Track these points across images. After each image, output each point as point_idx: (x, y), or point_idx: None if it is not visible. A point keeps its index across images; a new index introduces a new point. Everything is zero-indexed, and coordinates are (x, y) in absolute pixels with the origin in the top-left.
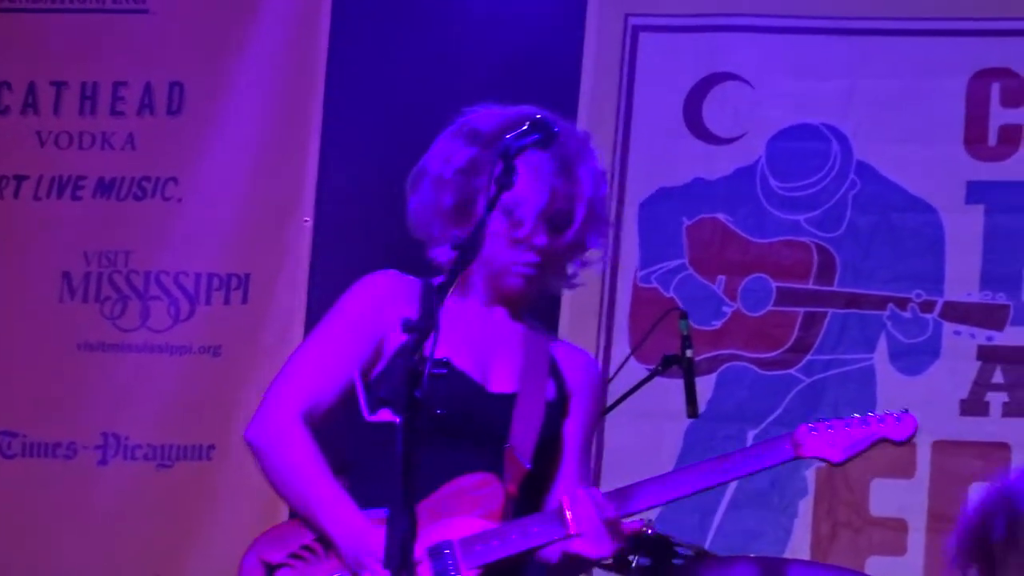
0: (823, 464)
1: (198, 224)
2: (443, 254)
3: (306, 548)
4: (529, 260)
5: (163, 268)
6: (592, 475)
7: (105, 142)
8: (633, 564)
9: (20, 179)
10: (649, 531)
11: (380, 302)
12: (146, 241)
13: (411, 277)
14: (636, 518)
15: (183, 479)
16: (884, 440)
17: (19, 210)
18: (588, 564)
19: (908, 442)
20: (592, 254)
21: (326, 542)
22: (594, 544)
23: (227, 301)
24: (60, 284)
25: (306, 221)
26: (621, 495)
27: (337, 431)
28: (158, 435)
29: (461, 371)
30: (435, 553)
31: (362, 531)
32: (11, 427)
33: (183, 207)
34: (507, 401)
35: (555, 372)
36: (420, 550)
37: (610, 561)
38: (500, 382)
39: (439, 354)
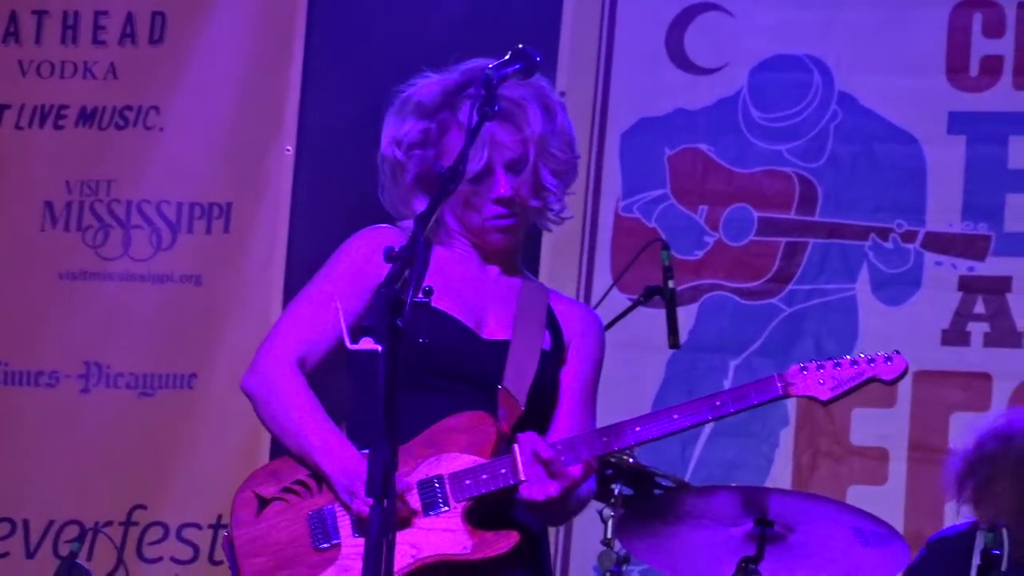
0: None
1: (180, 153)
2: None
3: (300, 483)
4: (500, 213)
5: (145, 197)
6: (595, 424)
7: (87, 71)
8: (616, 493)
9: (2, 108)
10: (630, 461)
11: (373, 255)
12: (128, 170)
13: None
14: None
15: (165, 407)
16: (874, 380)
17: (1, 139)
18: (539, 507)
19: (897, 382)
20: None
21: (320, 478)
22: (538, 487)
23: (209, 230)
24: (42, 213)
25: (288, 151)
26: (612, 432)
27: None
28: (140, 364)
29: (448, 313)
30: (425, 485)
31: (353, 462)
32: None
33: (165, 136)
34: (500, 347)
35: (552, 322)
36: (411, 483)
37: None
38: (493, 330)
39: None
